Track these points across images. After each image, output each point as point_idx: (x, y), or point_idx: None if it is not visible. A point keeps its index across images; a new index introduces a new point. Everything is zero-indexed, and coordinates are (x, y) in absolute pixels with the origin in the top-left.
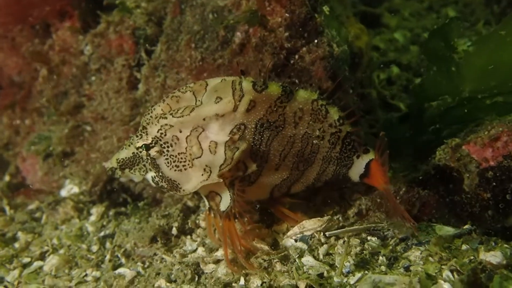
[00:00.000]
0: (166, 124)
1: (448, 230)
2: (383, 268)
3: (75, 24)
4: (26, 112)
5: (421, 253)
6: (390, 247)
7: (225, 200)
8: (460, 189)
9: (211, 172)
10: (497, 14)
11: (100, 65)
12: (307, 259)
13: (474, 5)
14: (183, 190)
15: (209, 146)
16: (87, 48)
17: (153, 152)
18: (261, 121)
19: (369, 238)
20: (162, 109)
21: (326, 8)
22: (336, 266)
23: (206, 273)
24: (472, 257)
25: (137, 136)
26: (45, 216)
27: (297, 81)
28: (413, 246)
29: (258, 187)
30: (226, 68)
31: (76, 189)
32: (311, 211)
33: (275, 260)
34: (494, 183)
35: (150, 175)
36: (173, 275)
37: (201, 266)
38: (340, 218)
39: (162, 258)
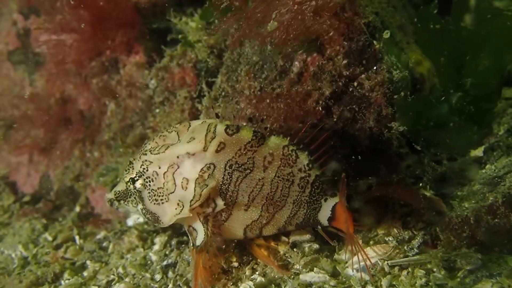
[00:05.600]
0: (146, 160)
1: None
2: None
3: (141, 59)
4: (96, 145)
5: (492, 286)
6: (458, 279)
7: (200, 235)
8: None
9: (183, 207)
10: None
11: (164, 97)
12: None
13: None
14: (162, 223)
15: (182, 182)
16: (152, 82)
17: (138, 185)
18: (230, 163)
19: (435, 269)
20: (151, 147)
21: (385, 35)
22: None
23: None
24: None
25: (125, 171)
26: (112, 245)
27: (356, 108)
28: (483, 278)
29: (231, 226)
30: (284, 97)
31: (141, 219)
32: (373, 240)
33: None
34: None
35: (139, 207)
36: None
37: None
38: (406, 248)
39: None
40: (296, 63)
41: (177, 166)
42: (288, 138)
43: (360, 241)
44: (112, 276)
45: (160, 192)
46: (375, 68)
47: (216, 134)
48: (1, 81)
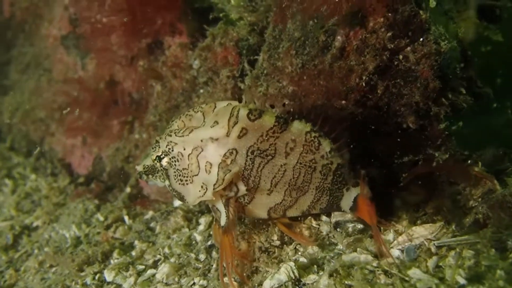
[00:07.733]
0: (171, 141)
1: None
2: (501, 283)
3: (185, 39)
4: (144, 127)
5: None
6: (510, 260)
7: (224, 216)
8: None
9: (207, 190)
10: None
11: (207, 78)
12: (414, 272)
13: None
14: (187, 202)
15: (205, 165)
16: (196, 62)
17: (164, 163)
18: (252, 148)
19: (485, 249)
20: (177, 126)
21: (431, 4)
22: (447, 280)
23: (307, 284)
24: None
25: (152, 148)
26: (159, 226)
27: (402, 82)
28: None
29: (254, 208)
30: (326, 74)
31: None
32: (421, 220)
33: (378, 272)
34: None
35: (166, 183)
36: (275, 286)
37: (301, 278)
38: (454, 227)
39: (267, 271)
40: (339, 37)
41: (201, 149)
42: (311, 124)
43: (405, 222)
44: (158, 256)
45: (185, 173)
46: (421, 39)
47: (239, 120)
48: (56, 66)
